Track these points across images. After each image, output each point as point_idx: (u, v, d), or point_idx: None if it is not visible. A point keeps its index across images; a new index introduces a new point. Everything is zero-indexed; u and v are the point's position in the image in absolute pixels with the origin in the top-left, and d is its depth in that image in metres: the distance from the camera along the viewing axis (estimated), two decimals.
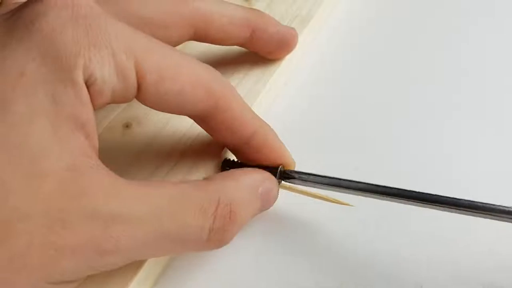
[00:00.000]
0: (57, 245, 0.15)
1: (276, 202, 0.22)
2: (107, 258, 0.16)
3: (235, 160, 0.23)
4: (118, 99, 0.17)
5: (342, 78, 0.30)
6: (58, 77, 0.15)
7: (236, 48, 0.27)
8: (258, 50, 0.26)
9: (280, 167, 0.21)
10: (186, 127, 0.23)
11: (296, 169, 0.22)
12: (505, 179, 0.25)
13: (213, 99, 0.19)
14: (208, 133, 0.21)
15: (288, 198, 0.23)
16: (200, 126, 0.21)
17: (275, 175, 0.21)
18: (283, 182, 0.22)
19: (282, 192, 0.22)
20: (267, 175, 0.21)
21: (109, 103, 0.17)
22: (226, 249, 0.22)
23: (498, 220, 0.19)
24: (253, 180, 0.20)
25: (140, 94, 0.18)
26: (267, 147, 0.21)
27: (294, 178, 0.21)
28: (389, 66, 0.31)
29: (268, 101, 0.27)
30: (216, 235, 0.18)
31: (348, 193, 0.21)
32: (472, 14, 0.35)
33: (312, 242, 0.22)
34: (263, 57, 0.27)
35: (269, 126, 0.21)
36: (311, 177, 0.21)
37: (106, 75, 0.16)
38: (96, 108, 0.17)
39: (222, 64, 0.26)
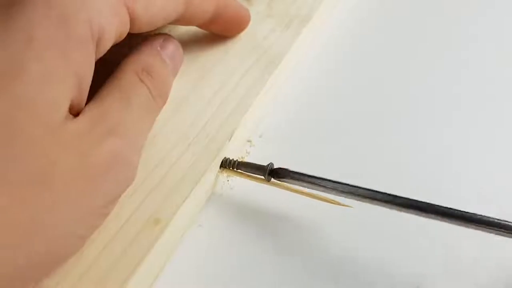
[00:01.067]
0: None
1: (271, 201, 0.22)
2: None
3: (234, 159, 0.23)
4: (118, 38, 0.19)
5: (342, 78, 0.30)
6: (66, 36, 0.16)
7: (237, 46, 0.27)
8: (220, 27, 0.26)
9: (270, 164, 0.22)
10: (186, 125, 0.23)
11: (293, 166, 0.22)
12: (502, 180, 0.25)
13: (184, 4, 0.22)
14: (186, 24, 0.24)
15: (284, 197, 0.23)
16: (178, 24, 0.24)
17: (264, 174, 0.22)
18: (273, 179, 0.22)
19: (279, 192, 0.22)
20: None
21: (113, 44, 0.19)
22: (221, 248, 0.22)
23: (494, 233, 0.19)
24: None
25: (135, 24, 0.19)
26: (229, 8, 0.25)
27: (285, 177, 0.22)
28: (388, 66, 0.31)
29: (266, 101, 0.27)
30: (157, 96, 0.20)
31: (341, 196, 0.21)
32: (471, 11, 0.35)
33: (308, 242, 0.22)
34: (257, 52, 0.27)
35: None
36: (303, 177, 0.21)
37: (109, 20, 0.18)
38: (105, 50, 0.19)
39: (222, 62, 0.26)
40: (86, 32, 0.17)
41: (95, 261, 0.18)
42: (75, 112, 0.17)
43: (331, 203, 0.22)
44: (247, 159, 0.25)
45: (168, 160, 0.22)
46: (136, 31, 0.20)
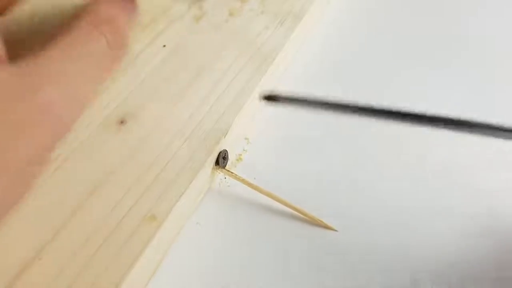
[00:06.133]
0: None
1: (268, 198, 0.22)
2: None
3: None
4: None
5: (335, 75, 0.30)
6: None
7: (231, 43, 0.27)
8: None
9: (223, 151, 0.23)
10: (182, 122, 0.23)
11: (290, 164, 0.22)
12: None
13: None
14: None
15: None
16: None
17: (217, 163, 0.23)
18: (225, 169, 0.23)
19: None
20: None
21: None
22: (218, 245, 0.22)
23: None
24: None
25: None
26: None
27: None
28: (382, 62, 0.31)
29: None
30: (116, 48, 0.19)
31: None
32: (468, 7, 0.35)
33: (306, 239, 0.22)
34: (251, 49, 0.27)
35: None
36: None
37: None
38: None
39: (217, 60, 0.26)
40: None
41: (92, 257, 0.18)
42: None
43: (316, 222, 0.22)
44: (244, 156, 0.25)
45: (164, 157, 0.22)
46: None
